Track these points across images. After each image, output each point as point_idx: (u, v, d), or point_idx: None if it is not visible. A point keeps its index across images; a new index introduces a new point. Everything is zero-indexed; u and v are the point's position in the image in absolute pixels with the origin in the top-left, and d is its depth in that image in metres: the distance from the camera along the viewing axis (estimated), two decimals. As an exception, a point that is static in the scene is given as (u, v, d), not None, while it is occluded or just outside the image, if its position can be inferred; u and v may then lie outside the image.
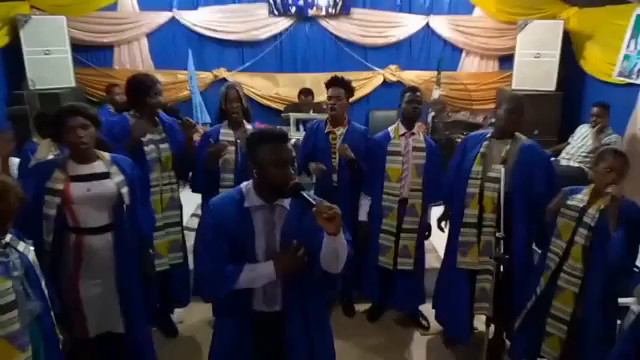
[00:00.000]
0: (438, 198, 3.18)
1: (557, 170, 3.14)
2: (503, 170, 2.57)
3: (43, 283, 1.91)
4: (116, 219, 2.28)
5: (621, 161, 2.27)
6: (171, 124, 2.93)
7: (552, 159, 3.57)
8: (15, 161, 3.41)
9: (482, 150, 2.75)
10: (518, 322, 2.61)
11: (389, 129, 3.22)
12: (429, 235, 3.30)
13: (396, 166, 3.12)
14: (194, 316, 3.33)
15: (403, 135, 3.14)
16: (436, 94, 5.93)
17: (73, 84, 5.50)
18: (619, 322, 2.47)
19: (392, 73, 6.32)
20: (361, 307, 3.52)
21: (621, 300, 2.46)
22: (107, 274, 2.28)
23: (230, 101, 3.02)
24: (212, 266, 1.77)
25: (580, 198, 2.38)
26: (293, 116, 4.99)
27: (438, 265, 3.28)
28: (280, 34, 6.20)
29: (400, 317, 3.44)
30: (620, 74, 4.79)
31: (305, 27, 6.24)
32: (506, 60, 6.18)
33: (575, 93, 5.59)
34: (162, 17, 6.05)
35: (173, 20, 6.07)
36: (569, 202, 2.40)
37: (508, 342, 2.89)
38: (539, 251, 2.68)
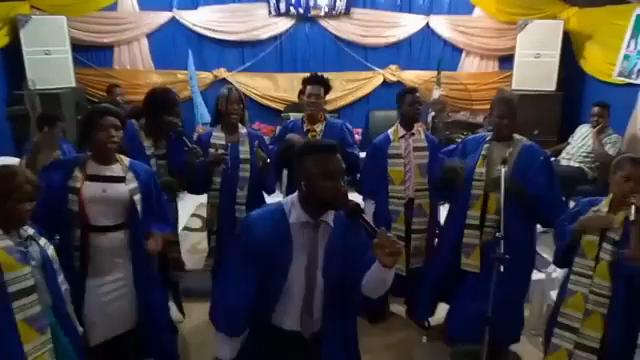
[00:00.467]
0: (444, 196, 3.16)
1: (557, 170, 3.14)
2: (503, 170, 2.57)
3: (60, 278, 1.93)
4: (132, 221, 2.28)
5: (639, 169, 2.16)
6: (176, 144, 2.89)
7: (552, 159, 3.57)
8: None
9: (483, 153, 2.76)
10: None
11: (389, 132, 3.21)
12: (440, 234, 3.25)
13: (398, 169, 3.12)
14: (194, 316, 3.32)
15: (403, 137, 3.14)
16: (436, 94, 5.93)
17: (73, 84, 5.51)
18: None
19: (392, 73, 6.32)
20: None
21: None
22: (118, 272, 2.28)
23: (231, 102, 3.01)
24: (235, 301, 1.72)
25: (600, 210, 2.24)
26: (293, 116, 4.98)
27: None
28: (280, 34, 6.20)
29: (400, 317, 3.43)
30: (620, 74, 4.80)
31: (305, 27, 6.25)
32: (506, 60, 6.19)
33: (575, 93, 5.59)
34: (162, 17, 6.05)
35: (173, 20, 6.07)
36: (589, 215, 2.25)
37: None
38: (540, 253, 2.63)
